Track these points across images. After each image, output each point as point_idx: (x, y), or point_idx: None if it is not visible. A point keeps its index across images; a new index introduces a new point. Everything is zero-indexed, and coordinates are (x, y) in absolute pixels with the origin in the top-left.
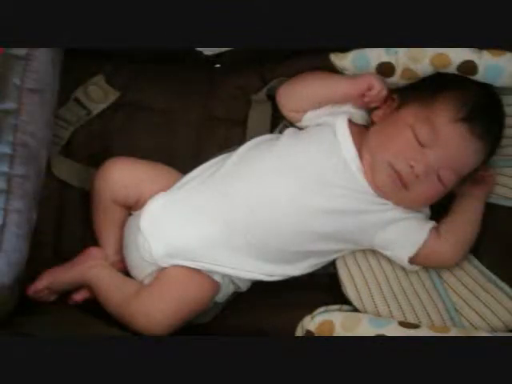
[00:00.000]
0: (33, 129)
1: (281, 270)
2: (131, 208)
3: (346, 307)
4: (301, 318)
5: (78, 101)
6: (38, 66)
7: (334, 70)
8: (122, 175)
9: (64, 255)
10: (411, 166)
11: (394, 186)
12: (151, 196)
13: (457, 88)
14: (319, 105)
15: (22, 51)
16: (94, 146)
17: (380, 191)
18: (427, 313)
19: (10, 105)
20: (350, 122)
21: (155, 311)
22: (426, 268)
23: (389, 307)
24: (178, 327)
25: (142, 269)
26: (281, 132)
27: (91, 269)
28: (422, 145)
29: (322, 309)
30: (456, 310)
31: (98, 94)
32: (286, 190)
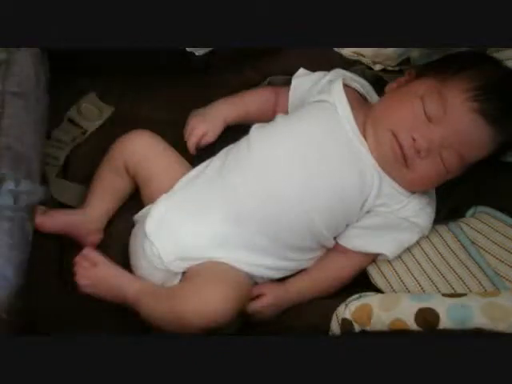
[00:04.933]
0: (17, 132)
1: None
2: (137, 185)
3: (380, 294)
4: (334, 308)
5: (71, 121)
6: (19, 69)
7: (334, 59)
8: (142, 146)
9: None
10: (413, 139)
11: (395, 160)
12: (160, 183)
13: (476, 68)
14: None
15: (1, 55)
16: (94, 165)
17: (383, 164)
18: (462, 280)
19: None
20: (349, 90)
21: (215, 296)
22: (457, 237)
23: (420, 286)
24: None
25: (153, 275)
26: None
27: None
28: (428, 119)
29: (355, 296)
30: (496, 274)
31: (92, 112)
32: (294, 180)
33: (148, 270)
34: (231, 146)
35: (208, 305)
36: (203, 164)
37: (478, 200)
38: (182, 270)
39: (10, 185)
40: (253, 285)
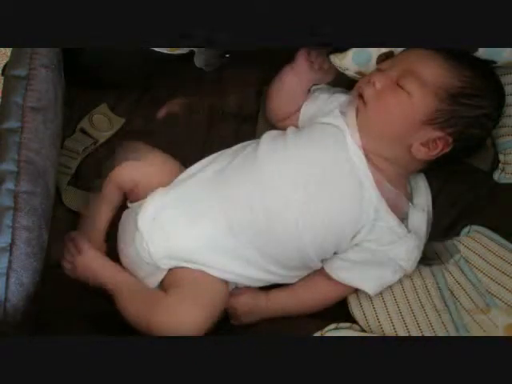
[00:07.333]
0: (37, 146)
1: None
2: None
3: (356, 326)
4: (311, 333)
5: (83, 131)
6: (39, 85)
7: (337, 79)
8: (131, 173)
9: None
10: (373, 83)
11: (355, 103)
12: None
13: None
14: (294, 97)
15: (23, 72)
16: (104, 174)
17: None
18: (432, 328)
19: (13, 123)
20: None
21: (188, 318)
22: (438, 284)
23: (393, 326)
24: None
25: (138, 265)
26: None
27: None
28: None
29: (332, 326)
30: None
31: (103, 123)
32: (293, 201)
33: (134, 259)
34: (235, 148)
35: (183, 325)
36: (202, 162)
37: (473, 219)
38: (168, 267)
39: (10, 185)
40: (229, 292)
